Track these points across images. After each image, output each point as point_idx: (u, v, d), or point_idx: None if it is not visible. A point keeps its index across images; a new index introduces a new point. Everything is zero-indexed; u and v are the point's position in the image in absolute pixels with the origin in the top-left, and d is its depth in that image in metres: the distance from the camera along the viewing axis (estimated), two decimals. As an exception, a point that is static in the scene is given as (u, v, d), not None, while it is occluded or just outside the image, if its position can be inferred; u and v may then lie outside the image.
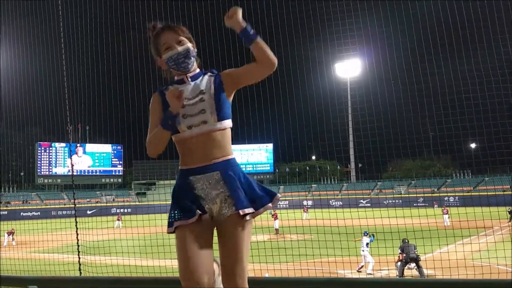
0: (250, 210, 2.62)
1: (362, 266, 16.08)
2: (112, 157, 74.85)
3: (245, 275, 2.63)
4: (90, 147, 71.48)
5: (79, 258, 6.42)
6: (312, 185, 70.19)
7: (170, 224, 2.66)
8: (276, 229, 29.15)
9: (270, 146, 79.94)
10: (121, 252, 11.22)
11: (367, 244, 16.14)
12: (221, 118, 2.71)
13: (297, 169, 79.48)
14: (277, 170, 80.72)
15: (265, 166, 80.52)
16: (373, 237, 16.28)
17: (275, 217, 29.85)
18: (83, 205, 52.27)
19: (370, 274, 15.63)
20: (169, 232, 2.67)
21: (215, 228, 2.73)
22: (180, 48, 2.74)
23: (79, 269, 6.35)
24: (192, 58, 2.80)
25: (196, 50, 2.84)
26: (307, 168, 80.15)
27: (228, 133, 2.77)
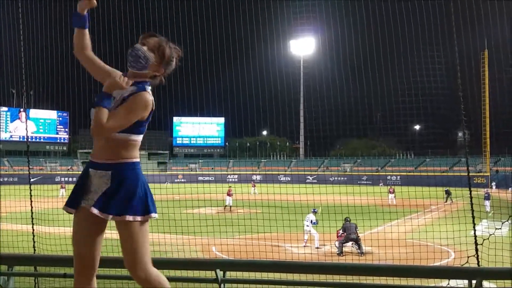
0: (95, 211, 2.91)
1: (307, 241, 16.56)
2: (58, 124, 72.41)
3: (141, 266, 2.95)
4: (34, 112, 68.62)
5: (33, 229, 6.28)
6: (262, 161, 70.91)
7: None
8: (225, 205, 29.12)
9: (221, 120, 79.80)
10: (68, 220, 11.06)
11: (311, 221, 16.55)
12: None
13: (247, 144, 79.94)
14: (227, 145, 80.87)
15: (215, 140, 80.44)
16: (315, 211, 16.74)
17: (228, 193, 29.78)
18: (25, 172, 50.43)
19: (319, 247, 16.12)
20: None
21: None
22: (137, 45, 2.98)
23: (33, 240, 6.23)
24: (138, 63, 2.97)
25: (159, 73, 3.05)
26: (258, 143, 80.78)
27: (123, 143, 2.98)
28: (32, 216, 6.27)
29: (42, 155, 69.43)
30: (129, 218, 2.87)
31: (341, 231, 15.40)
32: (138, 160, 3.03)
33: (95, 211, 2.86)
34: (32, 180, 6.65)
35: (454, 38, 4.82)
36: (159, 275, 3.02)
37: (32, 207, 6.32)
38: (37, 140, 69.13)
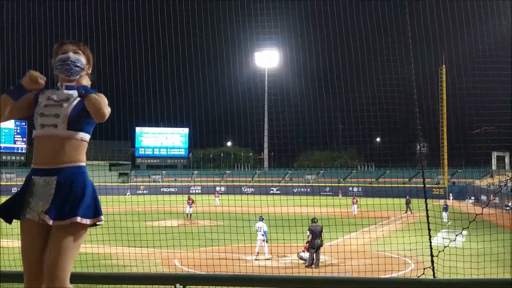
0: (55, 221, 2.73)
1: (268, 252, 16.46)
2: (15, 133, 70.17)
3: (64, 278, 2.73)
4: (-10, 121, 66.24)
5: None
6: (226, 172, 70.68)
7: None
8: (187, 214, 29.17)
9: (185, 130, 79.19)
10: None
11: (265, 232, 16.35)
12: (71, 128, 2.88)
13: (211, 155, 79.53)
14: (191, 155, 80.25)
15: (179, 151, 79.72)
16: (262, 218, 16.62)
17: (190, 202, 29.77)
18: (-21, 184, 48.52)
19: (257, 260, 16.03)
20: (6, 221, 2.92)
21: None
22: (71, 54, 2.98)
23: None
24: (77, 69, 3.00)
25: (90, 71, 3.13)
26: (222, 154, 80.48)
27: (79, 144, 2.92)
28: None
29: (-3, 165, 67.02)
30: (77, 220, 2.72)
31: (308, 233, 15.17)
32: (85, 164, 2.94)
33: (49, 222, 2.70)
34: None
35: (411, 55, 4.96)
36: None
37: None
38: (-8, 150, 66.80)
